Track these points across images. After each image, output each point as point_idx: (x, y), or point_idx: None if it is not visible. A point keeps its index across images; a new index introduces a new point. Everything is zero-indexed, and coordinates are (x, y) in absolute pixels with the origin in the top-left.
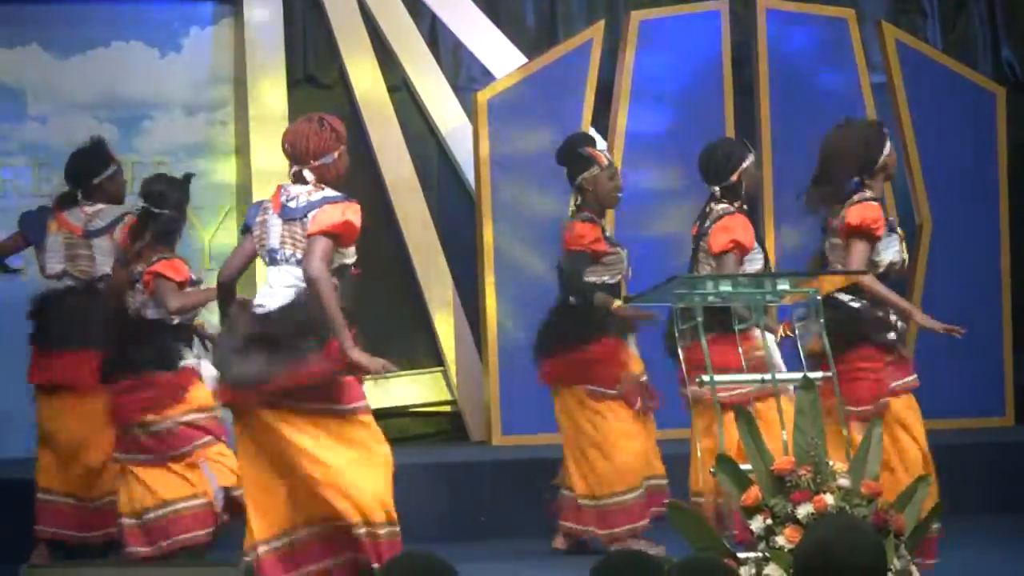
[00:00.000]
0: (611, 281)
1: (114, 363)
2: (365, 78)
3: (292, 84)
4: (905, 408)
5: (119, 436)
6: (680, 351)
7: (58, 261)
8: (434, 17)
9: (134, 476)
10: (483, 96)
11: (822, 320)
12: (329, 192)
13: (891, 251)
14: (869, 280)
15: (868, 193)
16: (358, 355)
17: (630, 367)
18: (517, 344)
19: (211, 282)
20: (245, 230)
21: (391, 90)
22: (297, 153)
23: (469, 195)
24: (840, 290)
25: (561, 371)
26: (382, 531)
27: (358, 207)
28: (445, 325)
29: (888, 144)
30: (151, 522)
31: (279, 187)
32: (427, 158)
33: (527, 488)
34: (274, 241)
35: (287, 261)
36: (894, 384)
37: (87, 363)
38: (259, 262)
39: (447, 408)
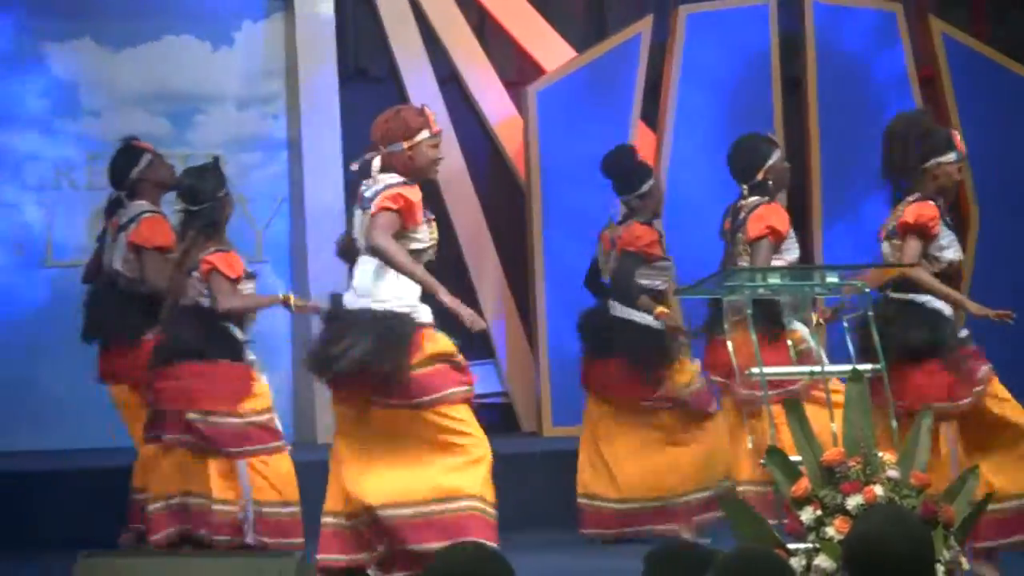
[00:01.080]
0: (661, 287)
1: (175, 348)
2: (415, 71)
3: (343, 77)
4: (992, 393)
5: (169, 418)
6: (730, 346)
7: (112, 258)
8: (483, 10)
9: (169, 460)
10: (533, 89)
11: (871, 314)
12: (391, 179)
13: (952, 249)
14: (917, 273)
15: (932, 189)
16: (451, 301)
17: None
18: (567, 336)
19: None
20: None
21: (441, 83)
22: (374, 139)
23: (519, 187)
24: (907, 289)
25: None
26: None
27: (416, 188)
28: (496, 317)
29: (955, 138)
30: (174, 507)
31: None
32: (477, 151)
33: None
34: (356, 232)
35: (365, 251)
36: (979, 376)
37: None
38: None
39: (498, 400)
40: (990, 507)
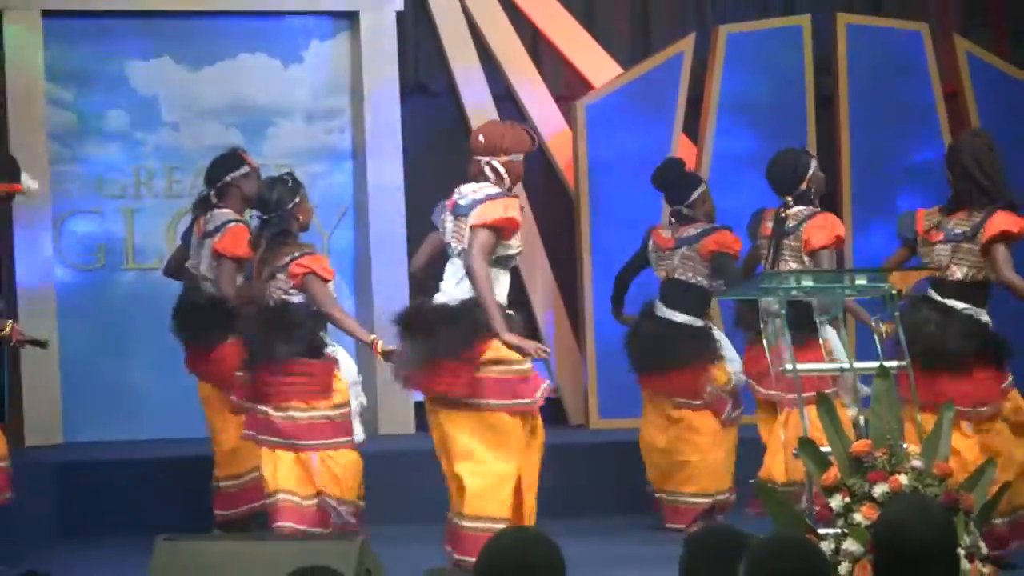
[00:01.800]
0: (707, 286)
1: (263, 351)
2: (472, 87)
3: (404, 93)
4: (1014, 404)
5: (252, 417)
6: (768, 347)
7: (200, 261)
8: (536, 29)
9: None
10: (582, 103)
11: (897, 314)
12: (492, 189)
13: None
14: (1014, 276)
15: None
16: (510, 338)
17: (715, 378)
18: (613, 334)
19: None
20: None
21: (496, 98)
22: (489, 145)
23: (568, 194)
24: (955, 295)
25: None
26: (465, 523)
27: (517, 202)
28: (545, 315)
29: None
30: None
31: (455, 188)
32: (529, 161)
33: (623, 468)
34: (448, 236)
35: (456, 255)
36: (1004, 386)
37: (219, 360)
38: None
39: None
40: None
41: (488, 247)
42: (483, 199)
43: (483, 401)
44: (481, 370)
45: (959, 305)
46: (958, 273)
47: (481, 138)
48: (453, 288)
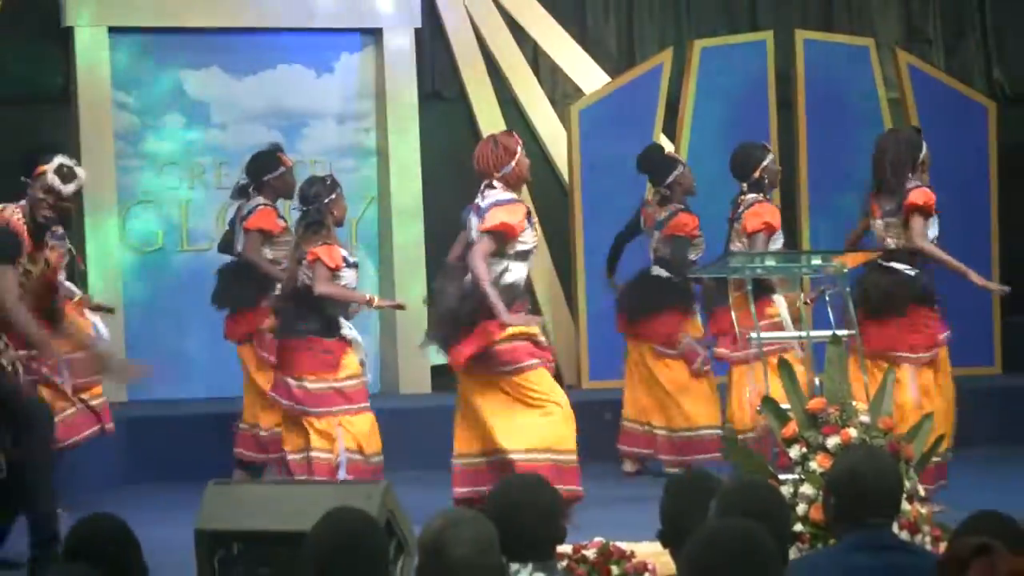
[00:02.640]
0: (696, 259)
1: (287, 326)
2: (480, 93)
3: (422, 98)
4: (944, 355)
5: (278, 382)
6: (734, 312)
7: (238, 244)
8: (534, 43)
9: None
10: (575, 108)
11: (848, 288)
12: (502, 195)
13: (935, 228)
14: (930, 246)
15: (919, 181)
16: (511, 318)
17: (690, 332)
18: (601, 308)
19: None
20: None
21: (501, 103)
22: (482, 169)
23: (563, 188)
24: (898, 259)
25: (637, 329)
26: (516, 456)
27: (520, 207)
28: (544, 291)
29: (924, 145)
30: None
31: (480, 191)
32: (530, 159)
33: (612, 423)
34: (472, 235)
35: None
36: (941, 337)
37: (246, 322)
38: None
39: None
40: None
41: (486, 250)
42: (490, 206)
43: (519, 365)
44: (508, 343)
45: (898, 266)
46: (891, 243)
47: (476, 165)
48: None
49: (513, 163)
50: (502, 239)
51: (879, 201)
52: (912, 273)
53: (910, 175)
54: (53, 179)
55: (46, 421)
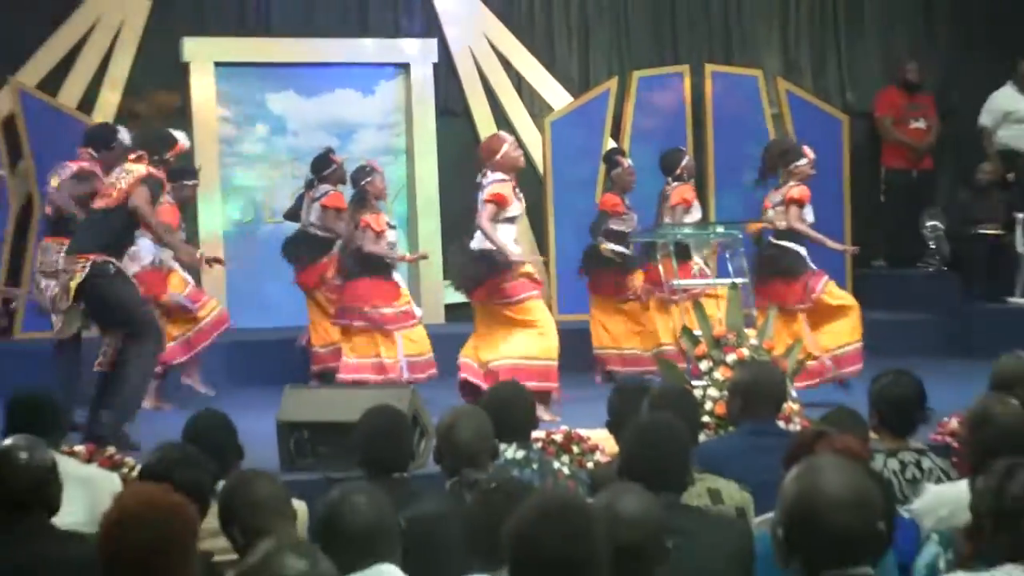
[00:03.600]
0: (627, 230)
1: (351, 272)
2: (479, 110)
3: (438, 114)
4: (827, 293)
5: (351, 310)
6: (661, 266)
7: (309, 215)
8: (518, 73)
9: (358, 335)
10: (548, 120)
11: (742, 250)
12: (496, 177)
13: (811, 214)
14: (803, 226)
15: (798, 179)
16: (518, 256)
17: (635, 281)
18: (567, 258)
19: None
20: None
21: (494, 116)
22: (482, 160)
23: (538, 176)
24: (784, 239)
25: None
26: (516, 361)
27: (508, 184)
28: (525, 245)
29: (805, 151)
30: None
31: (481, 174)
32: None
33: (578, 347)
34: (479, 205)
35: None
36: (818, 287)
37: (315, 273)
38: None
39: None
40: (838, 348)
41: (488, 213)
42: (489, 183)
43: (525, 294)
44: (512, 281)
45: (785, 243)
46: (781, 224)
47: (480, 155)
48: (476, 243)
49: (498, 156)
50: (497, 206)
51: (769, 196)
52: (795, 248)
53: (789, 176)
54: (184, 139)
55: (156, 338)
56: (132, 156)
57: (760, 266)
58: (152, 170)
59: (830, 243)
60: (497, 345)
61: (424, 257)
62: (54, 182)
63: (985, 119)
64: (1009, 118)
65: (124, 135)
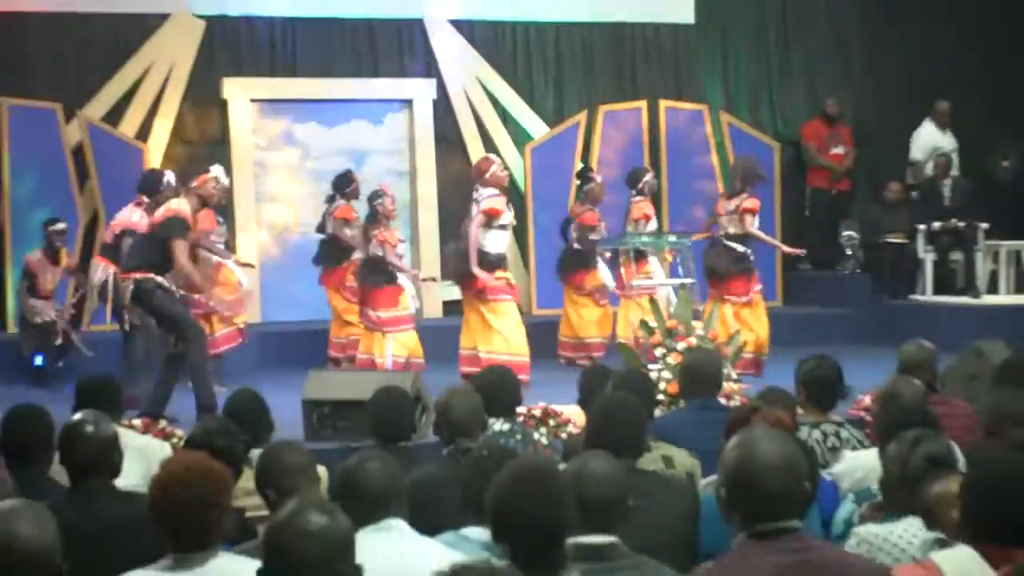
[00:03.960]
0: (597, 238)
1: (365, 278)
2: (471, 138)
3: (436, 141)
4: (759, 299)
5: (362, 312)
6: (623, 269)
7: (328, 226)
8: (504, 107)
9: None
10: (529, 147)
11: (691, 256)
12: (490, 191)
13: (757, 221)
14: (757, 232)
15: (749, 193)
16: (479, 272)
17: (597, 280)
18: (544, 261)
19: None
20: None
21: (484, 143)
22: (475, 176)
23: (520, 193)
24: (733, 240)
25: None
26: (489, 355)
27: (501, 199)
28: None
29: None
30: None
31: (476, 190)
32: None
33: (554, 336)
34: (472, 214)
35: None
36: (755, 288)
37: (338, 276)
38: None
39: None
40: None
41: (480, 222)
42: (486, 197)
43: (497, 297)
44: (494, 283)
45: (734, 245)
46: (732, 230)
47: (473, 174)
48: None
49: (487, 175)
50: (490, 217)
51: (723, 204)
52: (741, 250)
53: (746, 190)
54: (222, 175)
55: (200, 337)
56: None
57: (712, 262)
58: (180, 208)
59: (779, 245)
60: (489, 339)
61: (433, 280)
62: (133, 217)
63: (916, 154)
64: (935, 152)
65: (170, 178)
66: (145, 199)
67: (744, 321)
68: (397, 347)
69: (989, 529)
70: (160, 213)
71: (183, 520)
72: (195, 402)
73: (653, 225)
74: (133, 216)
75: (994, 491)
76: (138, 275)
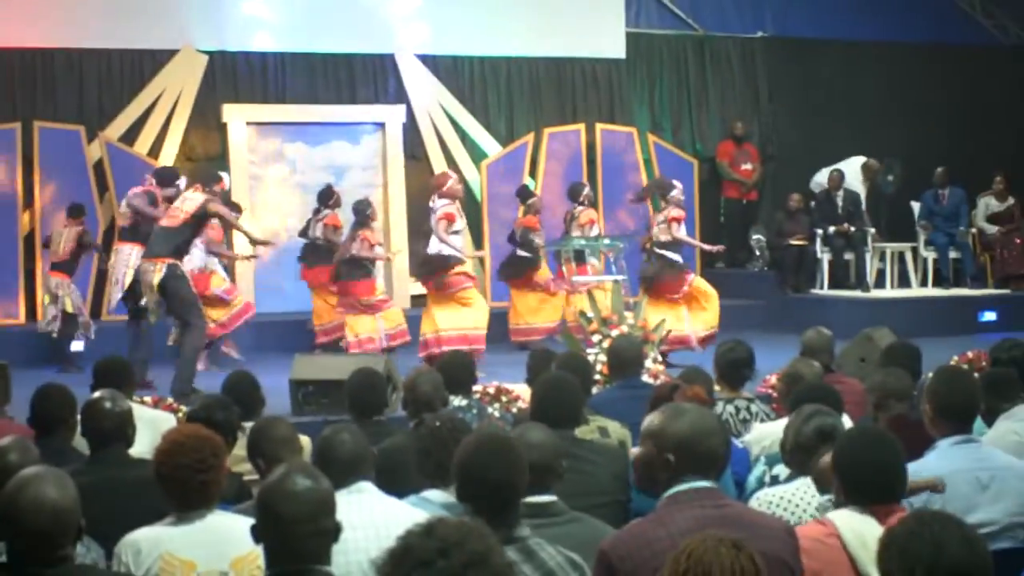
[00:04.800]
0: (540, 243)
1: (345, 272)
2: (435, 155)
3: (406, 158)
4: (695, 287)
5: (346, 302)
6: (564, 267)
7: (315, 232)
8: (463, 129)
9: (354, 318)
10: (484, 164)
11: (623, 256)
12: (444, 201)
13: (684, 228)
14: (684, 236)
15: (674, 204)
16: (463, 255)
17: (547, 273)
18: (498, 262)
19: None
20: None
21: (446, 160)
22: (434, 187)
23: (477, 204)
24: (665, 248)
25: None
26: (454, 332)
27: (454, 206)
28: (467, 250)
29: (678, 187)
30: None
31: (432, 200)
32: (462, 186)
33: (502, 326)
34: (432, 221)
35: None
36: (687, 282)
37: (323, 274)
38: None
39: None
40: (704, 331)
41: (443, 227)
42: (440, 207)
43: (464, 285)
44: (454, 276)
45: (664, 252)
46: (663, 238)
47: (432, 185)
48: (436, 244)
49: (444, 188)
50: (448, 223)
51: (655, 217)
52: (672, 256)
53: (667, 202)
54: (227, 180)
55: (202, 327)
56: (193, 187)
57: (649, 267)
58: (205, 195)
59: (704, 246)
60: (446, 318)
61: (398, 252)
62: (130, 192)
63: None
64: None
65: (182, 182)
66: (154, 185)
67: (700, 305)
68: (386, 322)
69: (857, 490)
70: (191, 205)
71: (182, 482)
72: (171, 385)
73: (597, 229)
74: (146, 204)
75: (855, 457)
76: (170, 260)
